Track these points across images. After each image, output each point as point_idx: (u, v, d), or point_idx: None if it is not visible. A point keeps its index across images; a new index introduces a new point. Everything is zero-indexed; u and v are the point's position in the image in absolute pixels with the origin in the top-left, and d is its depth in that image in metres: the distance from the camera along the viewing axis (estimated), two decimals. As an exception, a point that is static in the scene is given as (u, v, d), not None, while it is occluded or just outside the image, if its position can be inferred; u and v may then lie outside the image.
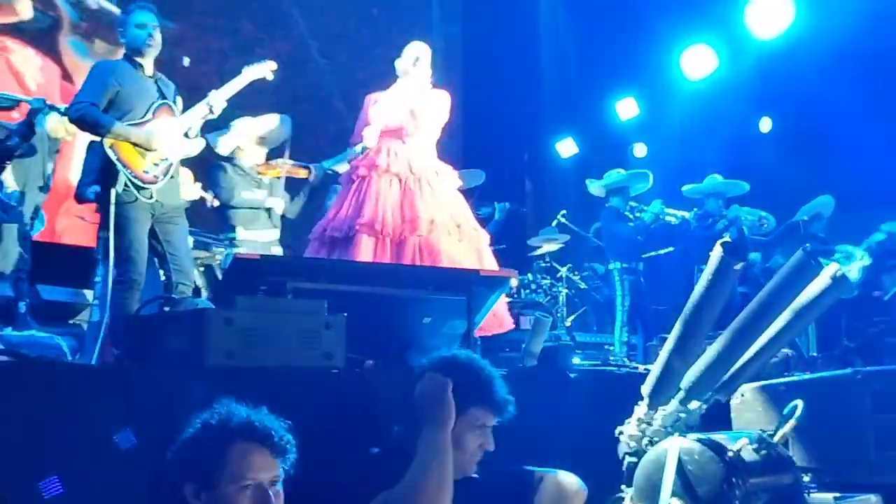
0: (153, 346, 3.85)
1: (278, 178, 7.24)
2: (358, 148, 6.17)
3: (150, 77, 5.35)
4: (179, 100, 5.52)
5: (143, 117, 5.22)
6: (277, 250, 7.06)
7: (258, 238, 7.01)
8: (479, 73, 11.82)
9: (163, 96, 5.36)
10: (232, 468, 2.33)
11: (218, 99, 5.45)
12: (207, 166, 7.28)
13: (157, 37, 5.33)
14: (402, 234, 5.75)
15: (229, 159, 7.29)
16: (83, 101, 5.15)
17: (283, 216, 7.40)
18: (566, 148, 12.27)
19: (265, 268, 4.34)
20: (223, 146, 7.22)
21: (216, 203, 7.13)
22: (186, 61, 5.80)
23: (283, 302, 3.94)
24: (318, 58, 10.54)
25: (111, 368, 4.41)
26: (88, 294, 6.86)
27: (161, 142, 5.18)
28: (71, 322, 6.69)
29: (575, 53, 12.01)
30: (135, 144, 5.12)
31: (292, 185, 7.38)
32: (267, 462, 2.37)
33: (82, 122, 5.16)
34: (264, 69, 5.74)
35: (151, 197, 5.10)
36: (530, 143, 12.69)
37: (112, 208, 5.00)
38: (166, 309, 4.16)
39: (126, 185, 5.03)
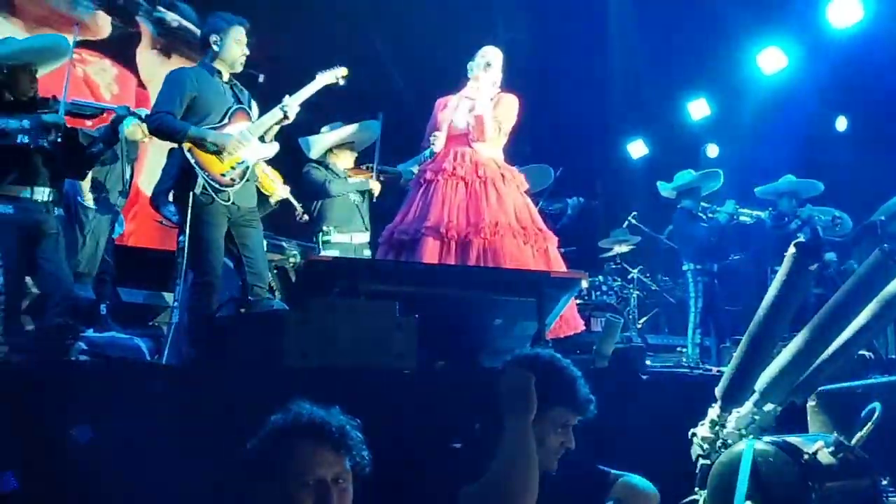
0: (230, 347, 3.93)
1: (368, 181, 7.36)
2: (427, 152, 6.22)
3: (226, 83, 5.45)
4: (255, 105, 5.62)
5: (219, 122, 5.31)
6: (369, 253, 7.14)
7: (351, 240, 7.10)
8: (547, 75, 11.78)
9: (238, 101, 5.45)
10: (295, 465, 2.34)
11: (292, 104, 5.53)
12: (300, 168, 7.40)
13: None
14: (466, 237, 5.78)
15: (321, 161, 7.41)
16: (160, 110, 5.26)
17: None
18: (637, 149, 12.18)
19: (338, 270, 4.41)
20: (315, 150, 7.33)
21: (305, 217, 7.22)
22: (261, 78, 5.87)
23: (356, 303, 3.99)
24: (389, 64, 10.63)
25: (188, 369, 4.52)
26: (167, 296, 7.03)
27: (237, 145, 5.28)
28: (150, 324, 6.85)
29: (645, 54, 11.90)
30: (214, 148, 5.22)
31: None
32: (330, 459, 2.37)
33: (160, 132, 5.29)
34: (336, 74, 5.80)
35: (229, 199, 5.19)
36: (600, 144, 12.62)
37: (190, 211, 5.10)
38: (242, 311, 4.24)
39: (204, 187, 5.12)
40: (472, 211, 5.86)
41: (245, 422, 3.29)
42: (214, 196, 5.13)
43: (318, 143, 7.24)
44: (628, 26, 12.04)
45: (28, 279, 5.70)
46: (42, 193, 5.50)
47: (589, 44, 11.78)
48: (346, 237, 7.04)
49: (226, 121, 5.32)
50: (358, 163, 7.56)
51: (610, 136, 12.49)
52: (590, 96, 11.80)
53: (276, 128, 5.57)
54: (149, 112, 5.58)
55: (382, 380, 3.68)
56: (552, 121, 11.45)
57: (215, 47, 5.38)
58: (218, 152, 5.22)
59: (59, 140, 5.51)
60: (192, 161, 5.15)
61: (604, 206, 12.13)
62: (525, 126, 12.07)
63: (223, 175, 5.20)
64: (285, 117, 5.50)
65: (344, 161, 7.47)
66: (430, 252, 5.71)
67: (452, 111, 6.25)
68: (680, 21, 11.22)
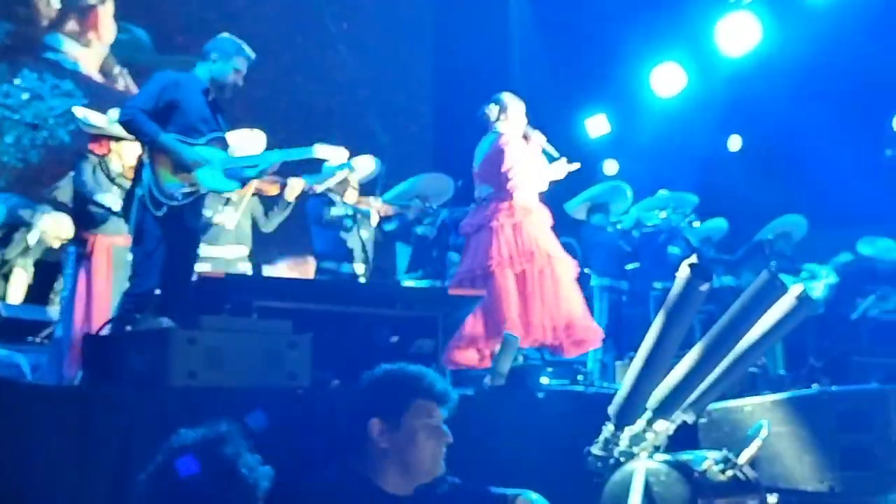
0: (116, 367, 3.80)
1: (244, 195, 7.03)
2: None
3: (211, 103, 5.19)
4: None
5: (193, 138, 5.04)
6: (245, 267, 6.93)
7: (223, 255, 6.84)
8: (449, 90, 11.83)
9: (219, 127, 5.20)
10: None
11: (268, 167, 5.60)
12: None
13: None
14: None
15: None
16: (133, 105, 5.01)
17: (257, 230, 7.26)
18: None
19: (230, 287, 4.32)
20: None
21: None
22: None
23: (248, 321, 3.91)
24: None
25: (70, 389, 4.34)
26: (52, 311, 6.78)
27: (201, 168, 5.01)
28: (32, 339, 6.58)
29: (545, 71, 12.04)
30: (175, 160, 4.95)
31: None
32: None
33: (129, 127, 5.03)
34: (338, 156, 5.76)
35: (163, 213, 4.90)
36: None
37: (133, 216, 4.90)
38: (128, 328, 4.10)
39: (148, 195, 4.92)
40: None
41: (130, 445, 3.19)
42: (149, 204, 4.88)
43: None
44: (529, 42, 12.17)
45: None
46: None
47: (489, 60, 11.86)
48: (217, 251, 6.77)
49: (202, 140, 5.05)
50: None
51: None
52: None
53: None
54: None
55: (274, 400, 3.59)
56: (453, 133, 11.47)
57: (212, 64, 5.16)
58: (180, 167, 4.96)
59: None
60: (147, 162, 4.91)
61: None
62: (427, 138, 12.14)
63: (171, 190, 4.93)
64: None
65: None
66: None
67: None
68: (580, 39, 11.41)
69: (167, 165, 4.95)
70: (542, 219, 6.28)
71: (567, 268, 6.15)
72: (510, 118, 6.44)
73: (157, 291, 5.01)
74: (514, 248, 5.97)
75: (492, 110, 6.51)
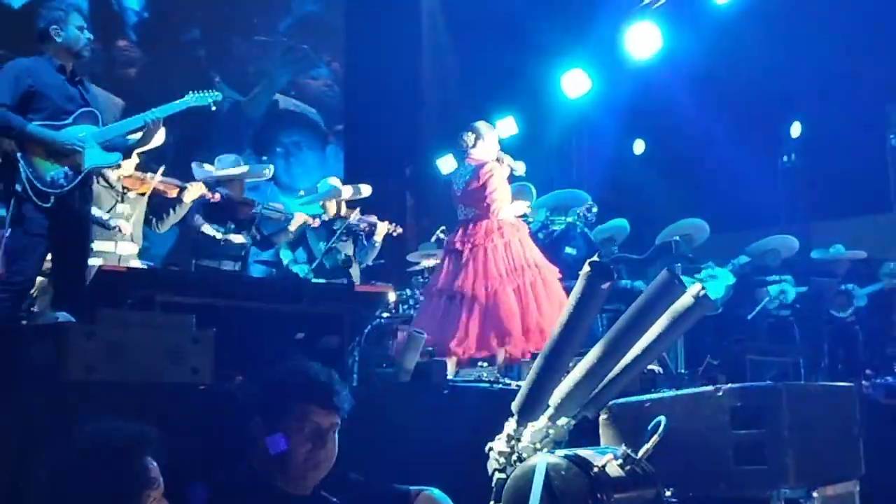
0: (10, 360, 3.70)
1: (143, 194, 6.93)
2: None
3: (71, 80, 5.05)
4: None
5: (61, 121, 4.91)
6: (136, 265, 6.74)
7: (115, 250, 6.68)
8: (361, 91, 11.84)
9: (85, 102, 5.06)
10: None
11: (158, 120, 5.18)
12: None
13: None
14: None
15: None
16: None
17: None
18: (446, 164, 12.34)
19: (132, 280, 4.24)
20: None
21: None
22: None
23: (149, 316, 3.85)
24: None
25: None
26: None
27: (76, 149, 4.88)
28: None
29: (456, 73, 12.12)
30: (48, 148, 4.83)
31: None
32: None
33: None
34: (209, 98, 5.45)
35: (49, 203, 4.80)
36: (412, 158, 12.74)
37: (11, 208, 4.73)
38: (24, 322, 3.99)
39: (27, 187, 4.74)
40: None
41: (27, 440, 3.11)
42: (33, 197, 4.75)
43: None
44: (441, 44, 12.23)
45: None
46: None
47: (401, 63, 11.90)
48: (108, 246, 6.64)
49: (69, 120, 4.92)
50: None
51: (421, 150, 12.63)
52: (402, 111, 11.91)
53: (130, 137, 5.21)
54: None
55: (175, 395, 3.54)
56: (365, 134, 11.49)
57: (58, 38, 4.99)
58: (55, 153, 4.83)
59: None
60: (20, 156, 4.76)
61: (414, 219, 12.23)
62: (338, 138, 12.09)
63: (52, 178, 4.82)
64: (146, 130, 5.13)
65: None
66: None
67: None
68: (491, 42, 11.51)
69: (41, 154, 4.83)
70: (524, 233, 6.89)
71: (552, 273, 6.68)
72: (486, 143, 7.05)
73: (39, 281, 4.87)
74: (510, 264, 6.55)
75: (469, 137, 7.08)
